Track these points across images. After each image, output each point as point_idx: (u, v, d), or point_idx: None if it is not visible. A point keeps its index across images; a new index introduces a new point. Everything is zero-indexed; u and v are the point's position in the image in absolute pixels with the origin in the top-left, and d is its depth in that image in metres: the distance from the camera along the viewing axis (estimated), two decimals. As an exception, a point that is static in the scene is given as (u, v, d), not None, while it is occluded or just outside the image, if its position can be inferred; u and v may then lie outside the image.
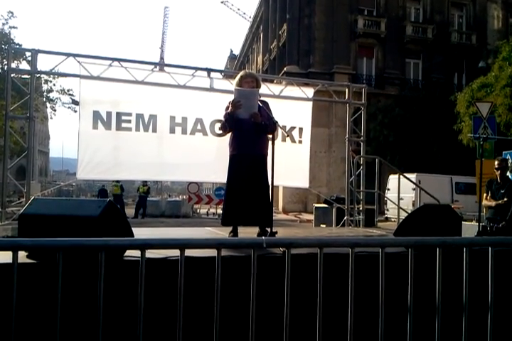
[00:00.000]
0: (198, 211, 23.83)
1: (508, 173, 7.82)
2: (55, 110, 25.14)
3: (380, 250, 2.21)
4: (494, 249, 2.35)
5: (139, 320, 1.95)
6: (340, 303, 2.36)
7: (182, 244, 1.99)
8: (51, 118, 27.79)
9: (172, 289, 2.09)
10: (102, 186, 26.64)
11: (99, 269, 1.90)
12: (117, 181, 19.30)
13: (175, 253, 2.04)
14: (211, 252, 2.10)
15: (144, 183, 20.98)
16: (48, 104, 25.36)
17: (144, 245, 1.95)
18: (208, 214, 23.09)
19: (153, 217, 20.05)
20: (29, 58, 7.95)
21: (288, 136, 7.48)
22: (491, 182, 7.04)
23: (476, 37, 29.92)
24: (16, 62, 19.55)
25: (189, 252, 2.48)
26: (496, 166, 6.91)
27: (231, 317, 2.72)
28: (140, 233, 3.90)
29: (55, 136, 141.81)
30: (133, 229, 3.45)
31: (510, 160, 9.80)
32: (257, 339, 2.08)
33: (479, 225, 6.14)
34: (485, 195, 7.03)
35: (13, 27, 22.13)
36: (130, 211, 20.63)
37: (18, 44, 21.49)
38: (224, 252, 3.04)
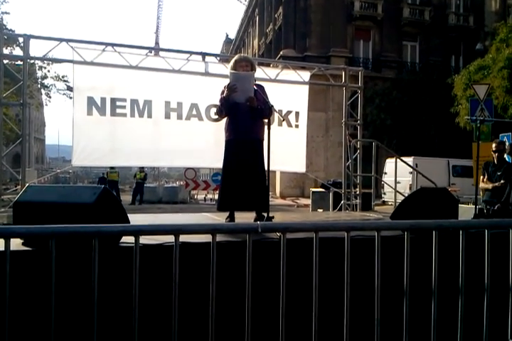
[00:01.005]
0: (196, 197, 23.85)
1: (506, 156, 7.82)
2: (49, 97, 24.96)
3: (376, 233, 2.20)
4: (490, 231, 2.34)
5: (134, 306, 1.94)
6: (336, 287, 2.36)
7: (176, 230, 1.98)
8: (46, 105, 27.59)
9: (168, 275, 2.08)
10: (102, 174, 26.51)
11: (93, 256, 1.88)
12: (112, 167, 19.24)
13: (171, 239, 2.03)
14: (208, 238, 2.09)
15: (141, 169, 20.93)
16: (43, 91, 25.19)
17: (138, 231, 1.93)
18: (205, 199, 23.12)
19: (151, 204, 20.07)
20: (22, 44, 7.87)
21: (284, 120, 7.44)
22: (487, 164, 7.03)
23: (473, 19, 29.70)
24: (9, 48, 19.33)
25: (186, 238, 2.48)
26: (494, 149, 6.90)
27: (227, 303, 2.73)
28: (136, 219, 3.90)
29: (50, 123, 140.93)
30: (129, 215, 3.43)
31: (507, 143, 9.78)
32: (253, 325, 2.08)
33: (476, 208, 6.14)
34: (481, 177, 7.03)
35: (6, 12, 21.87)
36: (127, 197, 20.63)
37: (10, 30, 21.22)
38: (221, 237, 3.05)
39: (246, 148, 4.61)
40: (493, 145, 7.03)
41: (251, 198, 4.54)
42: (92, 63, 6.78)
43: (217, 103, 4.84)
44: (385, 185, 13.49)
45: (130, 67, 6.93)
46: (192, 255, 2.84)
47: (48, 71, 22.71)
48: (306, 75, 8.21)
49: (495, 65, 17.20)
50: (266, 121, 4.58)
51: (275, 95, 5.71)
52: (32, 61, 17.01)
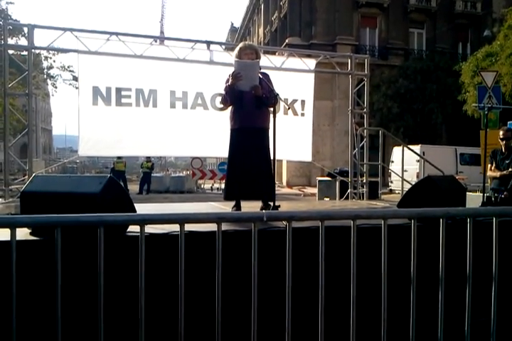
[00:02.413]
0: (202, 186, 23.88)
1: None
2: (56, 87, 24.95)
3: (383, 222, 2.18)
4: (498, 219, 2.32)
5: (140, 295, 1.95)
6: (342, 276, 2.35)
7: (181, 219, 1.97)
8: (52, 95, 27.62)
9: (174, 264, 2.08)
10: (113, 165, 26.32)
11: (99, 245, 1.88)
12: (119, 157, 19.23)
13: (177, 228, 2.02)
14: (214, 227, 2.08)
15: (148, 159, 20.95)
16: (49, 81, 25.17)
17: (143, 220, 1.93)
18: (212, 189, 23.15)
19: (158, 193, 20.12)
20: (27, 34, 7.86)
21: (290, 108, 7.40)
22: (495, 152, 6.98)
23: (481, 5, 29.35)
24: (14, 38, 19.29)
25: (192, 227, 2.47)
26: (501, 136, 6.84)
27: (233, 292, 2.73)
28: (143, 209, 3.90)
29: (57, 114, 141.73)
30: (136, 204, 3.43)
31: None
32: (259, 314, 2.08)
33: (483, 196, 6.11)
34: (489, 165, 6.98)
35: (10, 2, 21.79)
36: (134, 187, 20.68)
37: (15, 20, 21.18)
38: (226, 226, 3.04)
39: (251, 137, 4.59)
40: (501, 132, 6.96)
41: (257, 187, 4.53)
42: (96, 53, 6.77)
43: (222, 92, 4.81)
44: (392, 173, 13.46)
45: (135, 56, 6.92)
46: (198, 244, 2.84)
47: (54, 61, 22.70)
48: (311, 63, 8.16)
49: (503, 51, 17.00)
50: (271, 109, 4.55)
51: (281, 83, 5.68)
52: (37, 51, 17.02)
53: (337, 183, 8.92)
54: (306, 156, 8.33)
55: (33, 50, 7.09)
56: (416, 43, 29.00)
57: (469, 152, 18.70)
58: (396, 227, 2.92)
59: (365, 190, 8.23)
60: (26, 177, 6.72)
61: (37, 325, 2.65)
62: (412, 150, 9.19)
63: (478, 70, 14.86)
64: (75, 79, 21.81)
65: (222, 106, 5.12)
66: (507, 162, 6.73)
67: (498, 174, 6.78)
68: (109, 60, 6.85)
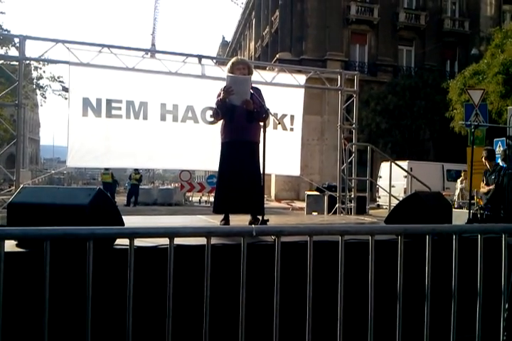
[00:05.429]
0: (191, 199, 23.81)
1: (500, 161, 7.91)
2: (45, 97, 24.90)
3: (370, 238, 2.20)
4: (483, 236, 2.35)
5: (128, 309, 1.94)
6: (330, 290, 2.36)
7: (171, 233, 1.98)
8: (41, 105, 27.55)
9: (163, 277, 2.08)
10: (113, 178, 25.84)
11: (88, 258, 1.88)
12: (106, 169, 19.11)
13: (166, 241, 2.03)
14: (203, 240, 2.09)
15: (136, 171, 20.88)
16: (38, 92, 25.11)
17: (132, 234, 1.93)
18: (200, 202, 23.09)
19: (146, 205, 20.01)
20: (18, 45, 7.85)
21: (279, 123, 7.45)
22: (486, 171, 7.29)
23: (468, 24, 29.90)
24: (4, 48, 19.25)
25: (181, 241, 2.47)
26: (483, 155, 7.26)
27: (221, 306, 2.73)
28: (131, 221, 3.89)
29: (45, 124, 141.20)
30: (124, 217, 3.43)
31: (501, 148, 9.86)
32: (247, 328, 2.08)
33: (469, 212, 6.19)
34: (482, 183, 7.25)
35: (1, 12, 21.79)
36: (122, 199, 20.55)
37: (6, 30, 21.16)
38: (215, 240, 3.05)
39: (242, 151, 4.62)
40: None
41: (246, 201, 4.54)
42: (88, 64, 6.77)
43: (213, 105, 4.84)
44: (380, 188, 13.54)
45: (126, 68, 6.93)
46: (186, 258, 2.84)
47: (44, 71, 22.67)
48: (301, 79, 8.23)
49: (490, 70, 17.29)
50: (261, 124, 4.58)
51: (271, 98, 5.72)
52: (27, 61, 16.99)
53: (325, 198, 8.94)
54: (295, 171, 8.35)
55: (23, 61, 7.08)
56: (405, 60, 29.40)
57: (456, 168, 18.86)
58: (383, 243, 2.94)
59: (353, 204, 8.27)
60: (13, 187, 6.67)
61: (24, 336, 2.62)
62: (399, 166, 9.27)
63: (465, 88, 15.08)
64: (65, 89, 21.78)
65: (212, 119, 5.15)
66: (492, 177, 6.94)
67: (485, 189, 6.98)
68: (100, 72, 6.86)
